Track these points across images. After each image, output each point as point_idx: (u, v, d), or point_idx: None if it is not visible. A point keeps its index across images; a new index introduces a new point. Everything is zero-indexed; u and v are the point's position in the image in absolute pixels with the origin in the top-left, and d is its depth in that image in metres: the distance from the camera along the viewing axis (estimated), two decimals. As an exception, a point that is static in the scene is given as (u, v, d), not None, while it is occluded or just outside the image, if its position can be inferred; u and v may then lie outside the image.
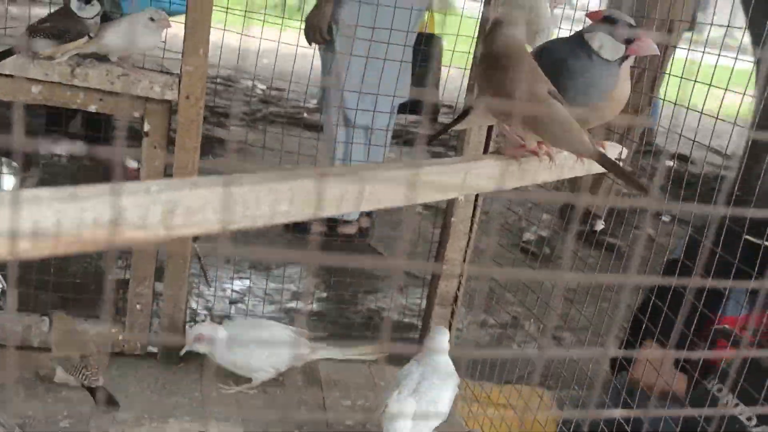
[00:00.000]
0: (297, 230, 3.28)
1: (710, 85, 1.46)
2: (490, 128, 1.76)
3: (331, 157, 3.30)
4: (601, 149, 0.99)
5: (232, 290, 2.75)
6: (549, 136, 0.98)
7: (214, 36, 1.61)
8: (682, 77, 1.54)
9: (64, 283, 1.99)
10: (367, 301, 2.99)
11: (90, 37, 1.48)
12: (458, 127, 1.15)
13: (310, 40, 3.03)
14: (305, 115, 5.27)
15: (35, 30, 1.47)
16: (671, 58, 3.29)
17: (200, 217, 0.69)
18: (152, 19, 1.60)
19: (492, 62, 1.03)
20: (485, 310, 2.99)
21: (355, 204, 0.83)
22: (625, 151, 1.25)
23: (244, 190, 0.73)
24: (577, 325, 2.63)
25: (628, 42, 1.05)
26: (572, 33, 1.13)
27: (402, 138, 4.35)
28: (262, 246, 3.38)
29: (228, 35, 1.97)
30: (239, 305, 2.65)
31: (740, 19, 1.98)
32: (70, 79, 1.51)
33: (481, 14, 1.72)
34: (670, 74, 1.75)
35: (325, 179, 0.80)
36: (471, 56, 1.88)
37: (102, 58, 1.59)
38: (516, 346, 2.77)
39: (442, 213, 2.00)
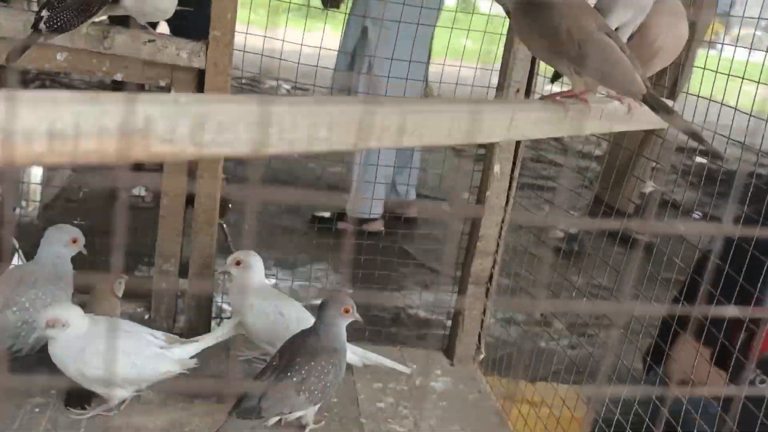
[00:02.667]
0: (323, 224, 3.25)
1: (743, 78, 1.42)
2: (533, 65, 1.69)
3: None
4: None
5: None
6: (596, 73, 0.90)
7: (238, 38, 1.56)
8: (708, 70, 1.48)
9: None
10: (394, 299, 2.93)
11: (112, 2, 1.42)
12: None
13: (326, 5, 3.17)
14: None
15: (55, 8, 1.39)
16: (695, 53, 3.17)
17: (232, 136, 0.63)
18: None
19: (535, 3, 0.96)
20: (513, 308, 2.90)
21: (397, 138, 0.77)
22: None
23: (281, 109, 0.67)
24: (605, 321, 2.53)
25: None
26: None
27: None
28: (288, 242, 3.35)
29: (251, 37, 1.91)
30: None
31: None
32: (96, 46, 1.46)
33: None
34: (704, 68, 1.62)
35: (367, 106, 0.74)
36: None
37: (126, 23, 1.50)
38: (544, 344, 2.68)
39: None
